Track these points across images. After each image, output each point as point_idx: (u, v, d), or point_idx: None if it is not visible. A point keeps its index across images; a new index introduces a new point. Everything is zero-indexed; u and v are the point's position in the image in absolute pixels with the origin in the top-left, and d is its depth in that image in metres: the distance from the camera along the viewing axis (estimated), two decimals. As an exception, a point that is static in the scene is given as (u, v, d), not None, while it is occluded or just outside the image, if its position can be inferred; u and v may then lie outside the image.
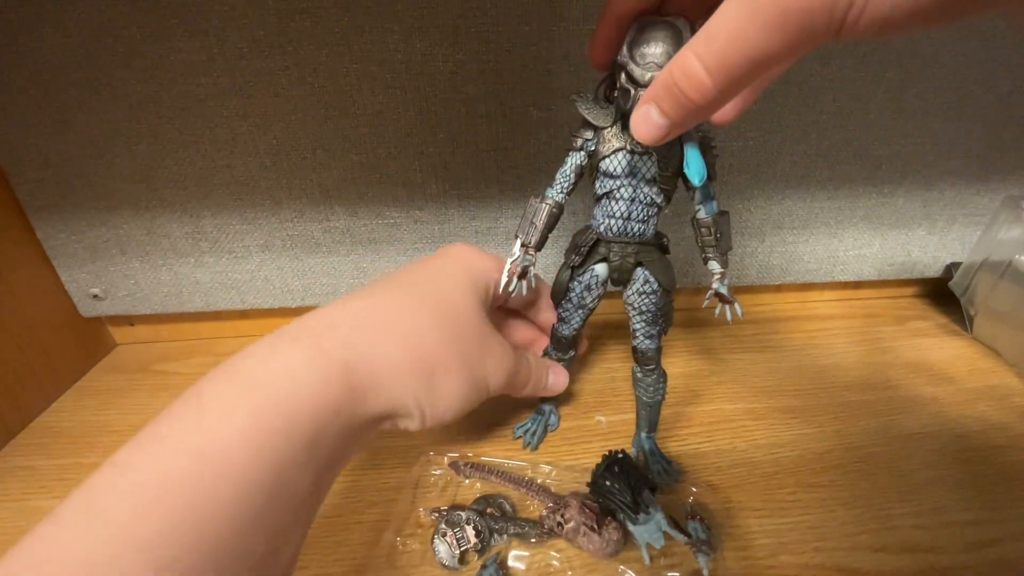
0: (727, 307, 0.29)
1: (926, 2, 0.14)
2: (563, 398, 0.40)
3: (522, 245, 0.29)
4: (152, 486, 0.16)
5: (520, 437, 0.37)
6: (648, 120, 0.21)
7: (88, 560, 0.15)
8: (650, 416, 0.34)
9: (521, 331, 0.37)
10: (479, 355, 0.26)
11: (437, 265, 0.28)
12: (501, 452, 0.36)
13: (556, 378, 0.34)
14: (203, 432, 0.18)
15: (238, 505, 0.17)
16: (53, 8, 0.34)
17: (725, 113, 0.26)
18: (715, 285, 0.29)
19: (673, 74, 0.19)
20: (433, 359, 0.24)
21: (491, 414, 0.40)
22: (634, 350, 0.33)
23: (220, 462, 0.17)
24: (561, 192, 0.29)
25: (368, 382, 0.22)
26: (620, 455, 0.30)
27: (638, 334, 0.32)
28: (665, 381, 0.34)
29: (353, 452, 0.23)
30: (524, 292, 0.30)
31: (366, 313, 0.24)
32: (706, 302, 0.29)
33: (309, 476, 0.20)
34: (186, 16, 0.35)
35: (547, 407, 0.39)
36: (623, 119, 0.26)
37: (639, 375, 0.33)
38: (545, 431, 0.38)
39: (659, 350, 0.32)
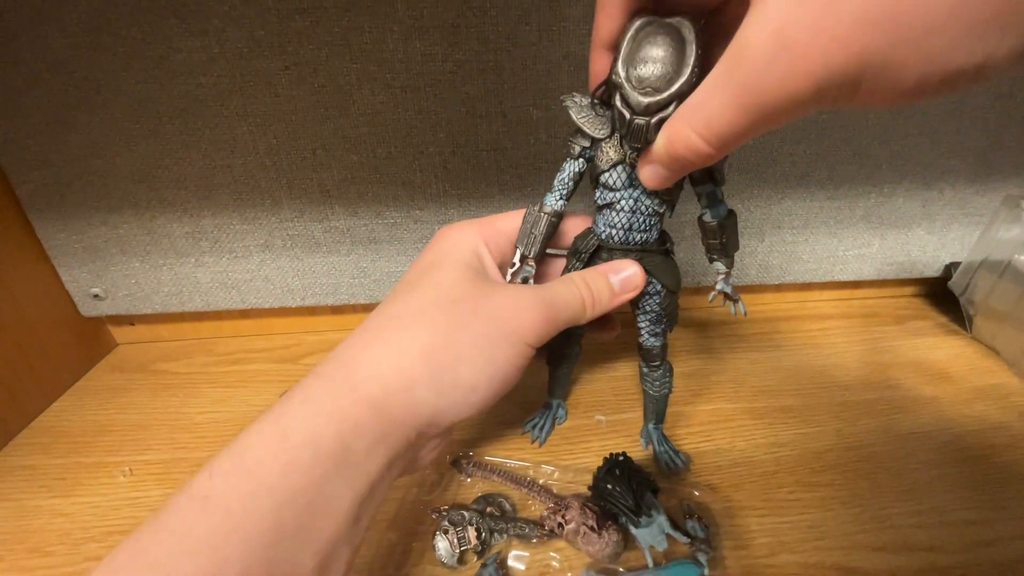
0: (732, 304, 0.29)
1: (931, 82, 0.14)
2: (564, 397, 0.40)
3: (523, 256, 0.29)
4: (203, 502, 0.18)
5: (528, 432, 0.38)
6: (656, 175, 0.23)
7: (153, 564, 0.17)
8: (657, 408, 0.35)
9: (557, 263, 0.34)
10: (489, 318, 0.25)
11: (426, 260, 0.28)
12: (502, 451, 0.36)
13: (624, 283, 0.28)
14: (243, 455, 0.20)
15: (279, 517, 0.18)
16: (53, 8, 0.34)
17: None
18: (720, 285, 0.29)
19: (675, 147, 0.21)
20: (435, 347, 0.23)
21: (493, 413, 0.40)
22: (640, 347, 0.33)
23: (257, 477, 0.19)
24: (560, 200, 0.28)
25: (383, 396, 0.22)
26: (621, 457, 0.31)
27: (643, 332, 0.32)
28: (671, 375, 0.34)
29: (399, 470, 0.23)
30: None
31: (367, 333, 0.24)
32: (711, 299, 0.29)
33: (347, 494, 0.20)
34: (186, 16, 0.35)
35: (555, 401, 0.39)
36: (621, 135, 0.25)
37: (645, 371, 0.34)
38: (553, 425, 0.38)
39: (664, 347, 0.33)
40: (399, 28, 0.37)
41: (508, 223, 0.30)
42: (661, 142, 0.22)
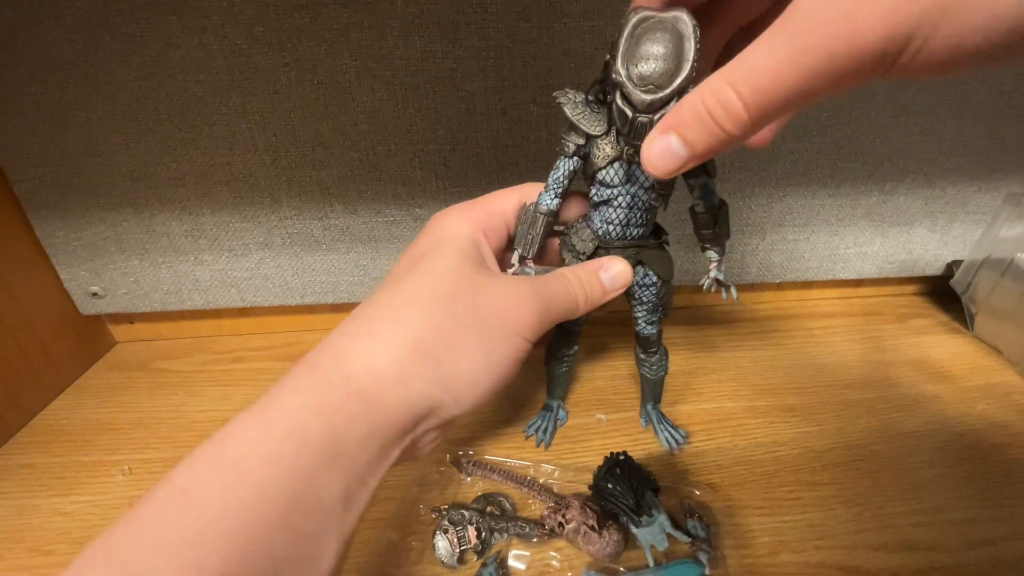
0: (724, 290, 0.30)
1: (993, 44, 0.13)
2: (563, 398, 0.40)
3: (521, 258, 0.29)
4: (181, 495, 0.18)
5: (532, 436, 0.38)
6: (668, 152, 0.20)
7: (125, 561, 0.16)
8: (655, 390, 0.37)
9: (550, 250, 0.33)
10: (485, 311, 0.24)
11: (420, 248, 0.27)
12: (502, 450, 0.36)
13: (614, 279, 0.29)
14: (223, 446, 0.19)
15: (261, 510, 0.18)
16: (52, 4, 0.34)
17: (763, 138, 0.25)
18: (713, 272, 0.29)
19: (706, 102, 0.18)
20: (432, 340, 0.23)
21: (494, 412, 0.40)
22: (637, 335, 0.34)
23: (238, 469, 0.18)
24: (555, 199, 0.28)
25: (375, 387, 0.21)
26: (622, 457, 0.30)
27: (640, 321, 0.33)
28: (667, 358, 0.35)
29: (392, 462, 0.22)
30: None
31: (357, 323, 0.23)
32: (703, 285, 0.30)
33: (336, 484, 0.20)
34: (185, 13, 0.35)
35: (554, 403, 0.39)
36: (617, 131, 0.25)
37: (643, 357, 0.35)
38: (555, 426, 0.38)
39: (660, 333, 0.34)
40: (399, 25, 0.36)
41: (502, 203, 0.29)
42: (687, 103, 0.18)
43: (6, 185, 0.40)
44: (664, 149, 0.20)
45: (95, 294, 0.46)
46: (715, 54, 0.25)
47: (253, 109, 0.39)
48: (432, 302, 0.23)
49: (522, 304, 0.25)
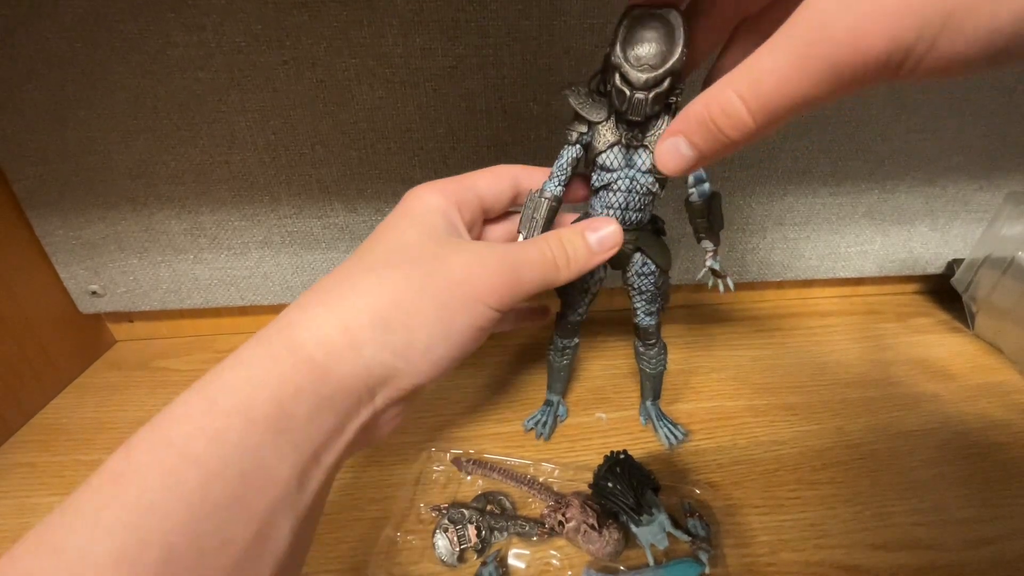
0: (720, 281, 0.30)
1: (994, 50, 0.14)
2: (563, 394, 0.40)
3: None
4: (117, 480, 0.17)
5: (532, 429, 0.38)
6: (676, 152, 0.21)
7: (57, 549, 0.16)
8: (654, 386, 0.37)
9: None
10: (445, 277, 0.23)
11: (387, 221, 0.26)
12: (502, 449, 0.36)
13: (602, 241, 0.27)
14: (164, 427, 0.18)
15: (206, 491, 0.17)
16: (50, 3, 0.34)
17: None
18: (708, 262, 0.30)
19: (711, 110, 0.18)
20: (385, 307, 0.22)
21: (494, 411, 0.40)
22: (636, 327, 0.34)
23: (180, 451, 0.17)
24: (559, 185, 0.29)
25: (325, 356, 0.20)
26: (622, 455, 0.30)
27: (639, 312, 0.33)
28: (666, 352, 0.36)
29: (349, 437, 0.22)
30: None
31: (312, 294, 0.23)
32: (699, 277, 0.30)
33: (287, 460, 0.19)
34: (183, 10, 0.35)
35: (554, 398, 0.39)
36: (617, 115, 0.27)
37: (641, 349, 0.35)
38: (555, 421, 0.39)
39: (659, 325, 0.34)
40: (398, 22, 0.36)
41: (481, 181, 0.28)
42: (694, 108, 0.19)
43: (5, 184, 0.40)
44: (673, 150, 0.21)
45: (94, 293, 0.46)
46: (716, 46, 0.25)
47: (252, 107, 0.39)
48: (389, 268, 0.23)
49: (487, 270, 0.24)
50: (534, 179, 0.30)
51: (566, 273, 0.26)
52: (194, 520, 0.17)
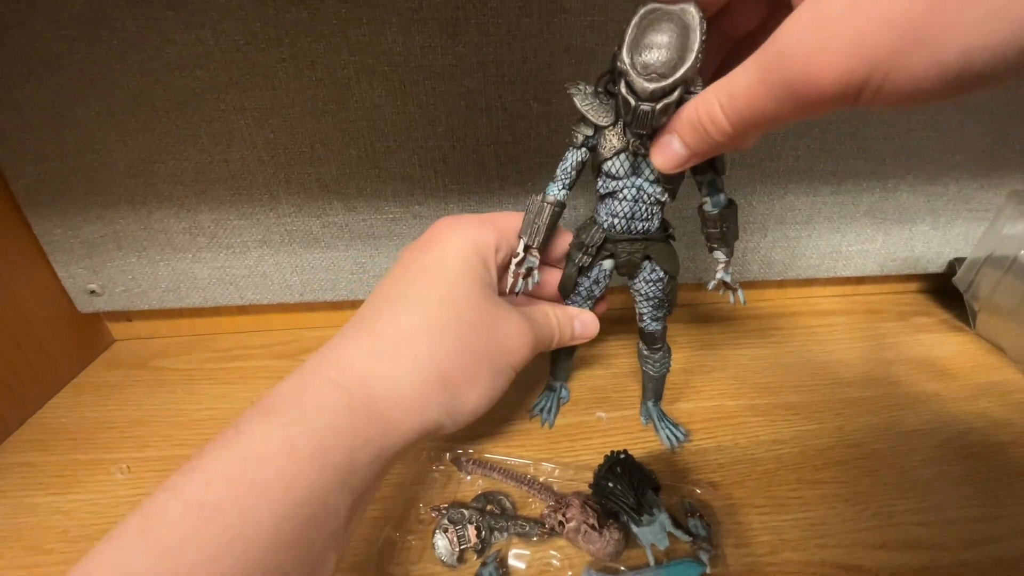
0: (731, 293, 0.29)
1: (947, 83, 0.15)
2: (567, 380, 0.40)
3: (526, 247, 0.29)
4: (198, 512, 0.17)
5: (537, 415, 0.39)
6: (669, 148, 0.23)
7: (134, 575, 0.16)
8: (656, 387, 0.37)
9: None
10: (497, 347, 0.26)
11: (431, 264, 0.26)
12: (503, 449, 0.36)
13: (584, 327, 0.33)
14: (242, 462, 0.19)
15: (278, 531, 0.18)
16: (47, 1, 0.34)
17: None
18: (719, 274, 0.29)
19: (699, 113, 0.21)
20: (452, 372, 0.24)
21: (494, 410, 0.40)
22: (641, 332, 0.34)
23: (259, 490, 0.18)
24: (563, 189, 0.28)
25: (394, 411, 0.22)
26: (622, 455, 0.30)
27: (645, 318, 0.33)
28: (670, 355, 0.35)
29: (385, 475, 0.24)
30: (530, 288, 0.30)
31: (380, 342, 0.24)
32: (711, 287, 0.30)
33: (345, 503, 0.20)
34: (182, 8, 0.35)
35: (557, 383, 0.40)
36: (624, 122, 0.25)
37: (646, 353, 0.35)
38: (559, 405, 0.39)
39: (664, 329, 0.34)
40: (398, 20, 0.36)
41: (512, 222, 0.29)
42: (686, 110, 0.22)
43: (3, 183, 0.40)
44: (666, 144, 0.23)
45: (93, 292, 0.45)
46: (717, 61, 0.26)
47: (251, 106, 0.38)
48: (454, 334, 0.24)
49: (523, 339, 0.27)
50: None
51: (554, 346, 0.32)
52: (264, 557, 0.17)
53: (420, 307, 0.25)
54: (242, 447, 0.19)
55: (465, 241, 0.27)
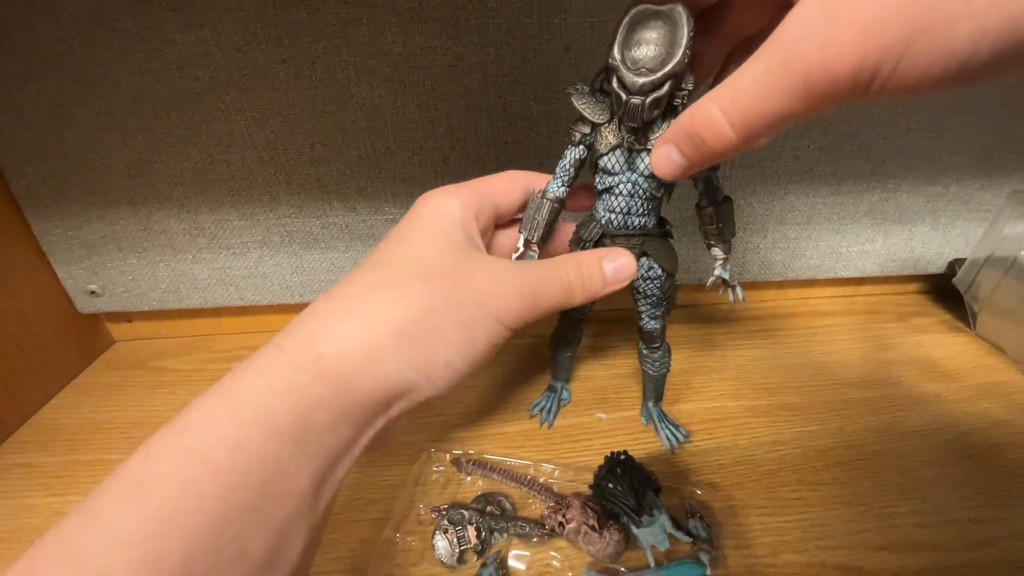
0: (730, 290, 0.30)
1: (954, 70, 0.15)
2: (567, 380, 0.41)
3: (526, 241, 0.29)
4: (135, 489, 0.17)
5: (536, 415, 0.39)
6: (668, 159, 0.22)
7: (76, 557, 0.16)
8: (656, 388, 0.37)
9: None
10: (471, 296, 0.23)
11: (404, 228, 0.25)
12: (503, 450, 0.36)
13: (618, 271, 0.27)
14: (185, 434, 0.18)
15: (226, 502, 0.17)
16: (48, 1, 0.34)
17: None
18: (717, 271, 0.29)
19: (696, 124, 0.20)
20: (413, 324, 0.22)
21: (494, 411, 0.40)
22: (640, 330, 0.34)
23: (200, 459, 0.17)
24: (562, 186, 0.29)
25: (350, 370, 0.20)
26: (622, 456, 0.30)
27: (644, 316, 0.33)
28: (670, 355, 0.35)
29: (363, 446, 0.22)
30: None
31: (333, 303, 0.22)
32: (709, 284, 0.30)
33: (305, 471, 0.19)
34: (182, 8, 0.35)
35: (558, 384, 0.40)
36: (619, 117, 0.26)
37: (645, 352, 0.35)
38: (559, 406, 0.39)
39: (664, 328, 0.34)
40: (398, 20, 0.36)
41: (496, 187, 0.28)
42: (682, 120, 0.21)
43: (3, 183, 0.40)
44: (665, 155, 0.23)
45: (93, 292, 0.45)
46: (715, 67, 0.26)
47: (251, 106, 0.38)
48: (412, 282, 0.22)
49: (508, 290, 0.24)
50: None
51: (580, 298, 0.26)
52: (213, 531, 0.17)
53: (382, 267, 0.23)
54: (185, 419, 0.19)
55: (440, 205, 0.26)
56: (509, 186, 0.29)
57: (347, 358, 0.20)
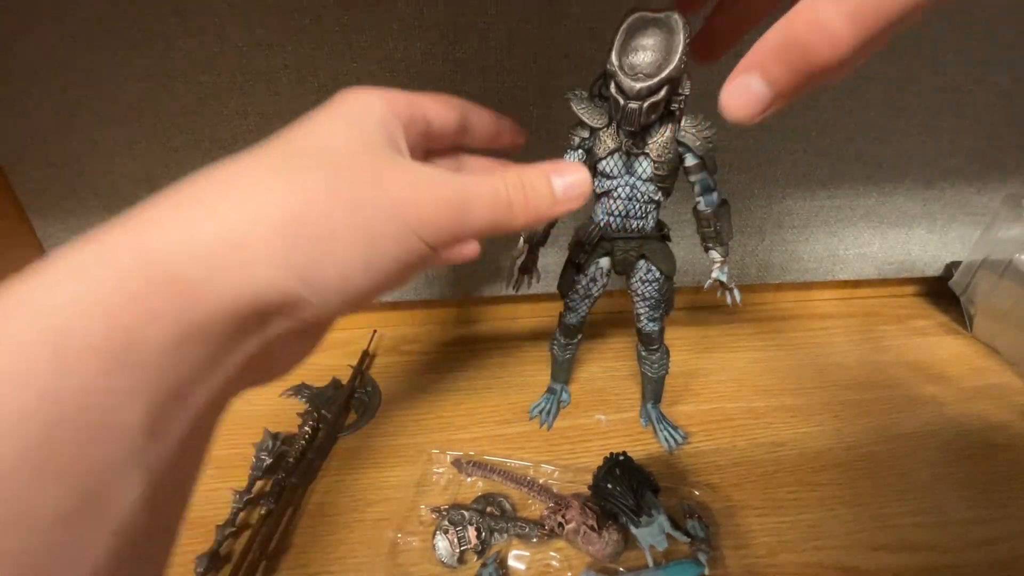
0: (727, 292, 0.30)
1: None
2: (567, 382, 0.41)
3: (526, 242, 0.30)
4: None
5: (536, 417, 0.39)
6: (746, 91, 0.17)
7: None
8: (655, 389, 0.37)
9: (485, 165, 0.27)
10: (379, 195, 0.18)
11: (307, 117, 0.21)
12: (503, 451, 0.36)
13: (568, 188, 0.22)
14: None
15: (14, 442, 0.13)
16: (53, 7, 0.34)
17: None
18: (715, 273, 0.30)
19: (796, 28, 0.15)
20: (296, 220, 0.17)
21: (494, 413, 0.40)
22: (639, 332, 0.34)
23: None
24: None
25: (201, 273, 0.15)
26: (621, 457, 0.31)
27: (642, 318, 0.33)
28: (668, 357, 0.36)
29: (229, 372, 0.17)
30: (529, 286, 0.30)
31: (185, 190, 0.17)
32: (707, 287, 0.30)
33: (134, 404, 0.14)
34: (186, 14, 0.35)
35: (557, 386, 0.40)
36: (617, 123, 0.26)
37: (644, 354, 0.35)
38: (558, 408, 0.40)
39: (662, 330, 0.34)
40: (399, 27, 0.36)
41: (430, 104, 0.23)
42: (770, 36, 0.16)
43: (8, 187, 0.40)
44: (741, 87, 0.17)
45: (96, 295, 0.46)
46: (729, 46, 0.23)
47: (254, 111, 0.39)
48: (304, 170, 0.18)
49: (428, 195, 0.19)
50: (483, 119, 0.25)
51: (522, 218, 0.21)
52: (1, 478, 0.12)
53: (267, 152, 0.19)
54: None
55: (361, 98, 0.21)
56: (443, 107, 0.24)
57: (197, 258, 0.15)
